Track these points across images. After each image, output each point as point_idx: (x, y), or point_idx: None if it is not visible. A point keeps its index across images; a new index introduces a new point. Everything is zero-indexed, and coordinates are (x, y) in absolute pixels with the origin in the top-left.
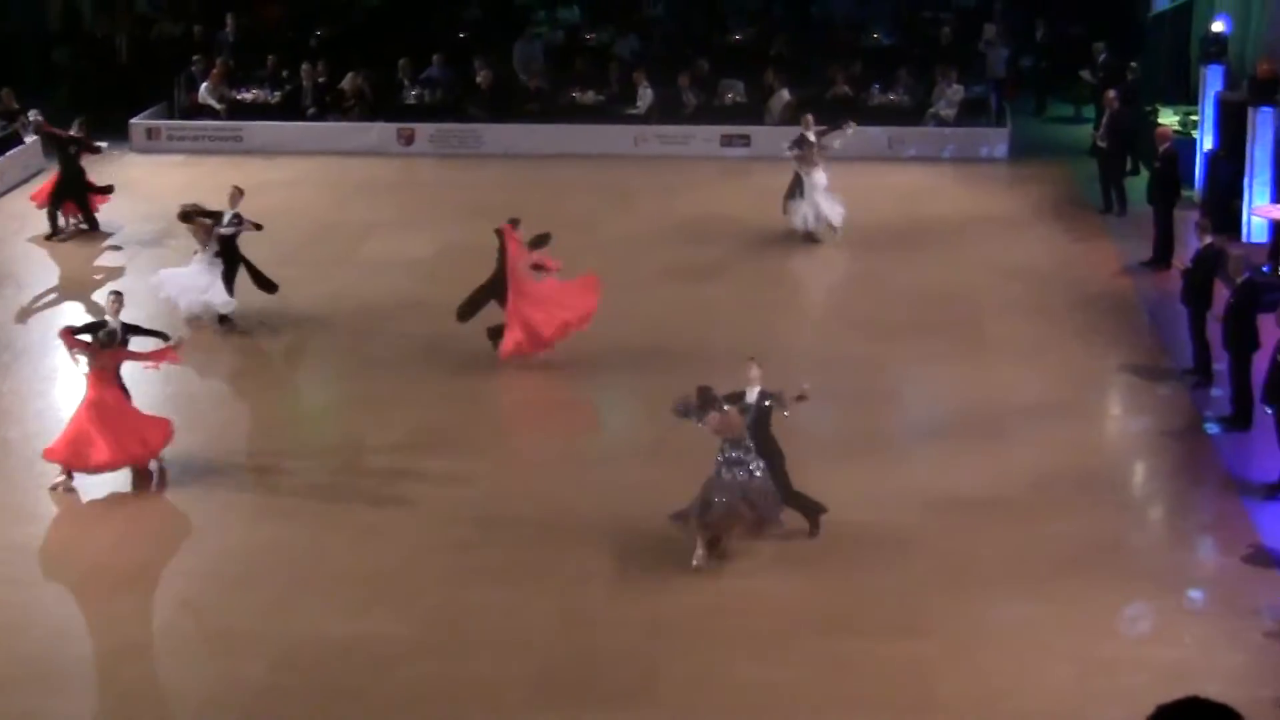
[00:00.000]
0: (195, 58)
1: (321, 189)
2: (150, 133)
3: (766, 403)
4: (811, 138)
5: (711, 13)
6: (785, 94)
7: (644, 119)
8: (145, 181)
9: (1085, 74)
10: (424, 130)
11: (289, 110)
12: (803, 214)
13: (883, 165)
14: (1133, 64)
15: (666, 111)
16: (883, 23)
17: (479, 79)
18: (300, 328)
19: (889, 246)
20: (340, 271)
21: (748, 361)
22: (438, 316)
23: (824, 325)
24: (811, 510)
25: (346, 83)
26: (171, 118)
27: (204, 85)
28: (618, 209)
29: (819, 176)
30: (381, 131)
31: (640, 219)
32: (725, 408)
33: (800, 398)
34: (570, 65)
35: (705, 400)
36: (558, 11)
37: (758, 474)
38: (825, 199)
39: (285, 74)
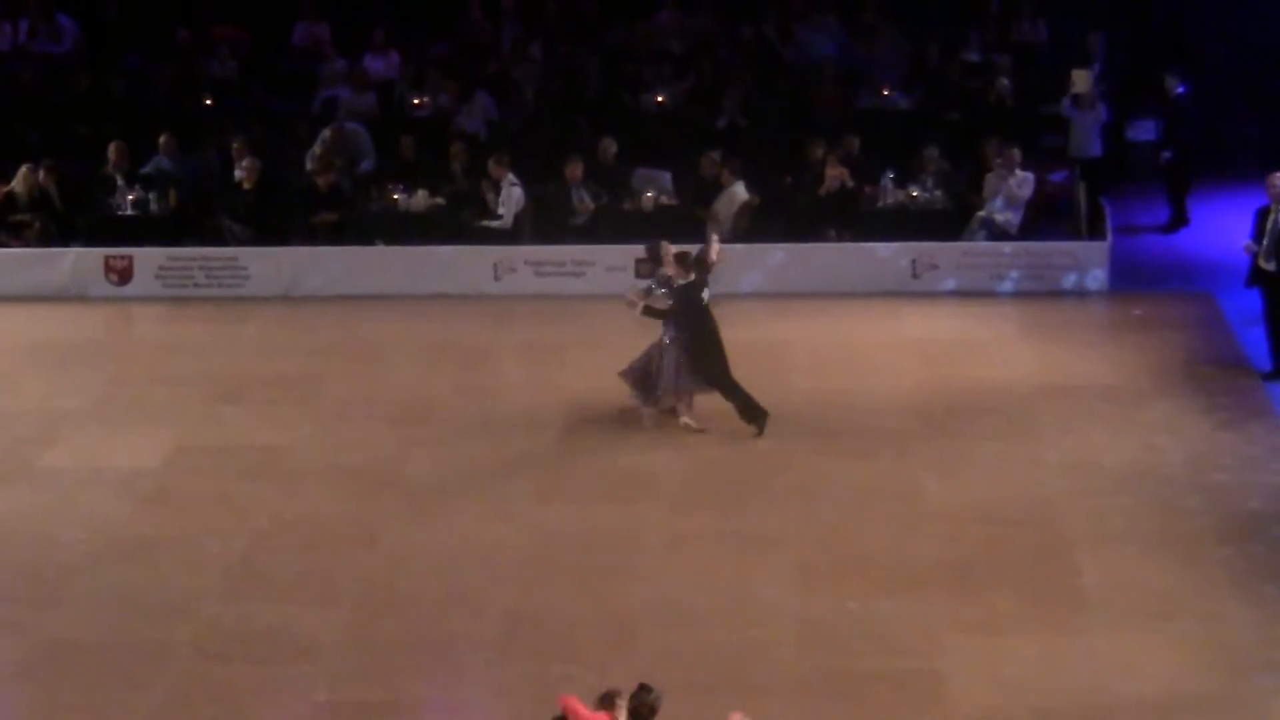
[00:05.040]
0: None
1: None
2: None
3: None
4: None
5: (617, 61)
6: (740, 190)
7: (509, 235)
8: None
9: None
10: (147, 259)
11: None
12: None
13: (901, 304)
14: None
15: (546, 223)
16: (896, 73)
17: (239, 173)
18: None
19: (909, 437)
20: (3, 493)
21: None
22: (170, 567)
23: (809, 566)
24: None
25: (19, 182)
26: None
27: None
28: (463, 390)
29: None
30: (79, 262)
31: (502, 405)
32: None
33: None
34: (391, 146)
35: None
36: (365, 60)
37: None
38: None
39: None
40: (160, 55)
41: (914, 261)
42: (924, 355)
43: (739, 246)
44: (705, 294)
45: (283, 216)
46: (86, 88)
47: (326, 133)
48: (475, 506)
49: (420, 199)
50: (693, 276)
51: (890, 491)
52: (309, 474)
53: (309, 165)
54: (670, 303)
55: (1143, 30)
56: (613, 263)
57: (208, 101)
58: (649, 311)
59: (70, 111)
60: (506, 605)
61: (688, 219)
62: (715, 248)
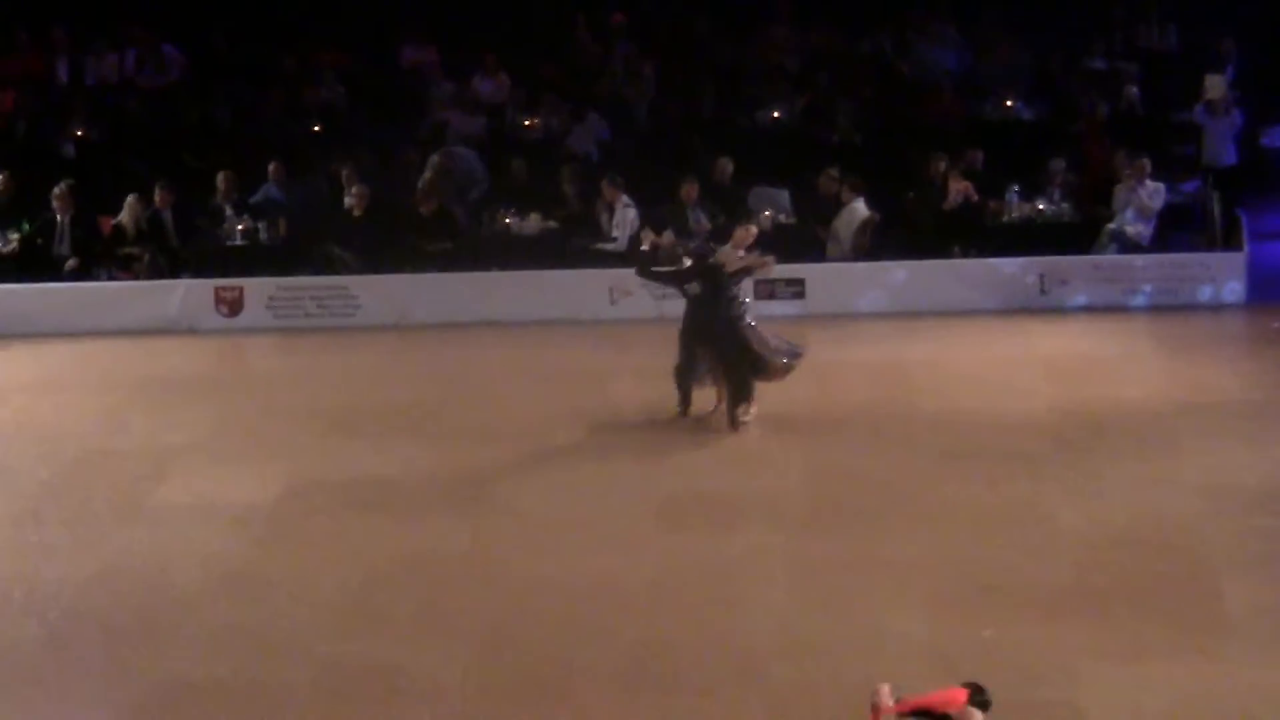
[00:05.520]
0: None
1: (86, 395)
2: None
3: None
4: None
5: (730, 79)
6: (860, 207)
7: (624, 257)
8: None
9: None
10: (258, 289)
11: (32, 264)
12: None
13: (1030, 321)
14: None
15: None
16: (1019, 83)
17: (349, 200)
18: (45, 626)
19: (1042, 459)
20: (113, 533)
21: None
22: (286, 604)
23: (940, 594)
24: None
25: (126, 213)
26: None
27: None
28: (580, 418)
29: None
30: (189, 294)
31: (620, 432)
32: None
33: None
34: (502, 169)
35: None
36: (474, 82)
37: None
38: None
39: (19, 203)
40: (267, 83)
41: (1042, 277)
42: (1055, 373)
43: (860, 265)
44: (692, 287)
45: (393, 244)
46: (194, 118)
47: (436, 158)
48: (595, 536)
49: (532, 223)
50: (688, 264)
51: (1023, 515)
52: (425, 506)
53: (420, 190)
54: (664, 273)
55: (1278, 33)
56: None
57: (315, 128)
58: (644, 260)
59: (177, 142)
60: (631, 637)
61: (807, 238)
62: (745, 260)
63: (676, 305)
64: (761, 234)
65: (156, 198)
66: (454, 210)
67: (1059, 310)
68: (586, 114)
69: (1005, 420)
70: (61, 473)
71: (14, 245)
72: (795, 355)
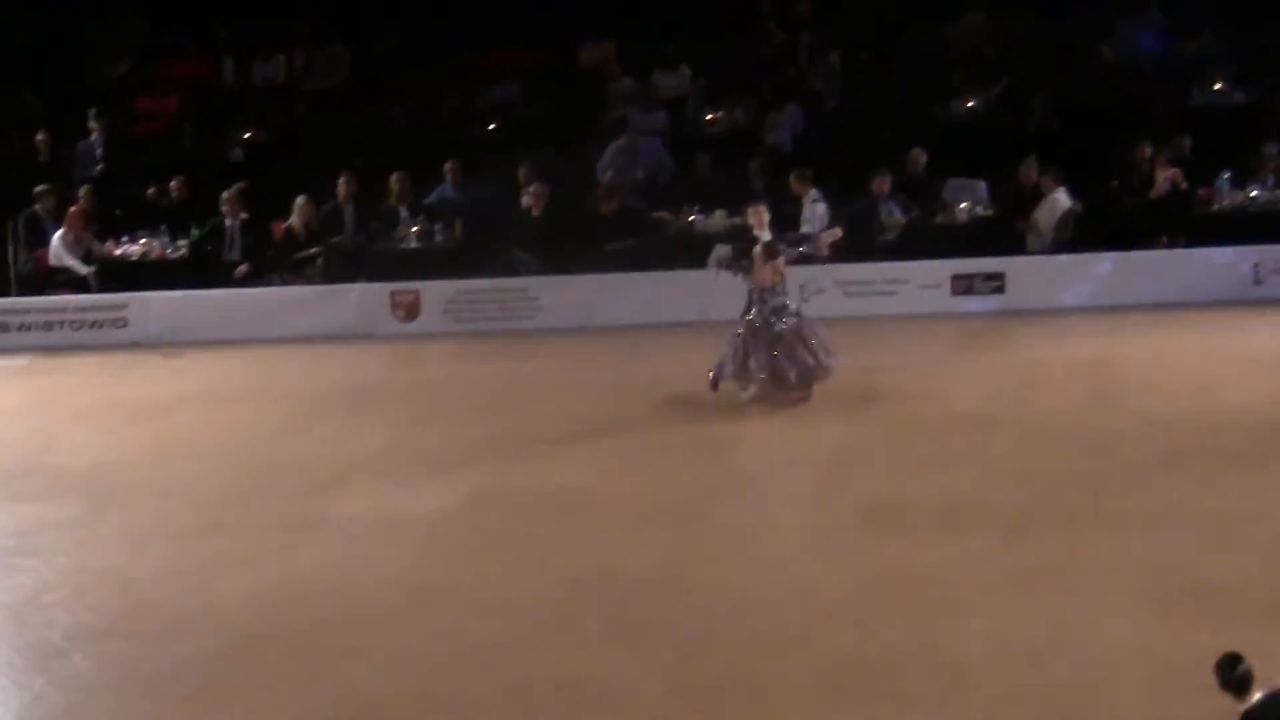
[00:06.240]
0: (40, 188)
1: (262, 404)
2: None
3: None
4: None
5: (923, 67)
6: (1062, 197)
7: (814, 255)
8: None
9: None
10: (435, 293)
11: (202, 270)
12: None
13: (1244, 313)
14: None
15: (855, 239)
16: (1228, 64)
17: (526, 199)
18: (229, 638)
19: (1263, 457)
20: (295, 544)
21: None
22: (472, 616)
23: (1155, 598)
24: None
25: (296, 216)
26: (4, 294)
27: (57, 235)
28: (774, 423)
29: None
30: (363, 299)
31: (812, 435)
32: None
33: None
34: (686, 165)
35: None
36: (655, 76)
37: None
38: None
39: (188, 208)
40: (440, 82)
41: (1256, 266)
42: (1271, 368)
43: (1063, 257)
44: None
45: (574, 244)
46: (364, 119)
47: (621, 141)
48: (793, 543)
49: (718, 219)
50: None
51: (1244, 516)
52: (615, 514)
53: (601, 179)
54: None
55: None
56: (926, 280)
57: (491, 127)
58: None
59: (348, 144)
60: (829, 646)
61: (1007, 230)
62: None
63: (869, 303)
64: (959, 227)
65: (340, 190)
66: (636, 206)
67: (1274, 301)
68: (786, 105)
69: (1219, 417)
70: (240, 484)
71: (183, 251)
72: (776, 382)
